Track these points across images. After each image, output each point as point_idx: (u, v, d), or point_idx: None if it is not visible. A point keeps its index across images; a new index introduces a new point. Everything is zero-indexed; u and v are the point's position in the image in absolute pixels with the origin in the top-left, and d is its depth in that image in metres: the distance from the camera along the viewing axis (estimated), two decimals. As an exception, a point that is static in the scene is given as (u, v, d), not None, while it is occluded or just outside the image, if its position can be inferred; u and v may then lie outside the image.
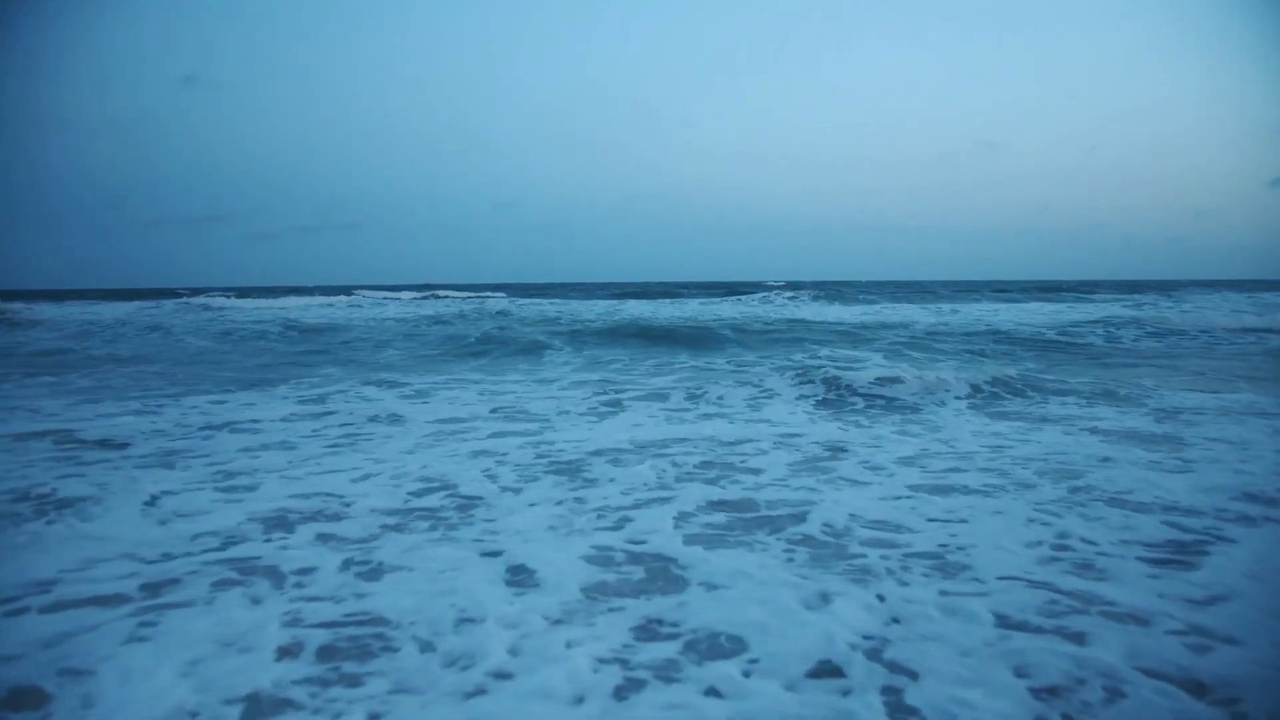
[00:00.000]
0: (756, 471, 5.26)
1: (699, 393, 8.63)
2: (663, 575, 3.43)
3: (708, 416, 7.44)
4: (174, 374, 11.13)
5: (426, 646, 2.77)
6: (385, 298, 33.56)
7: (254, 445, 6.09)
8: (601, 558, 3.65)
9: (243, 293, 38.73)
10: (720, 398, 8.33)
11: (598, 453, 5.80)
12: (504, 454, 5.77)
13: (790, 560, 3.58)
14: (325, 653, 2.72)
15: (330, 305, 28.73)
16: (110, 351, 14.50)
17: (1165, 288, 50.05)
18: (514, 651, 2.73)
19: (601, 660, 2.67)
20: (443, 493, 4.74)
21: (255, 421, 7.07)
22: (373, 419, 7.19)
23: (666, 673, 2.60)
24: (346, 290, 40.21)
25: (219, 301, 28.25)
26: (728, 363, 12.34)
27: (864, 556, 3.62)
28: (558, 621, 2.96)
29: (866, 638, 2.81)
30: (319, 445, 6.11)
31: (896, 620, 2.94)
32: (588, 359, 12.88)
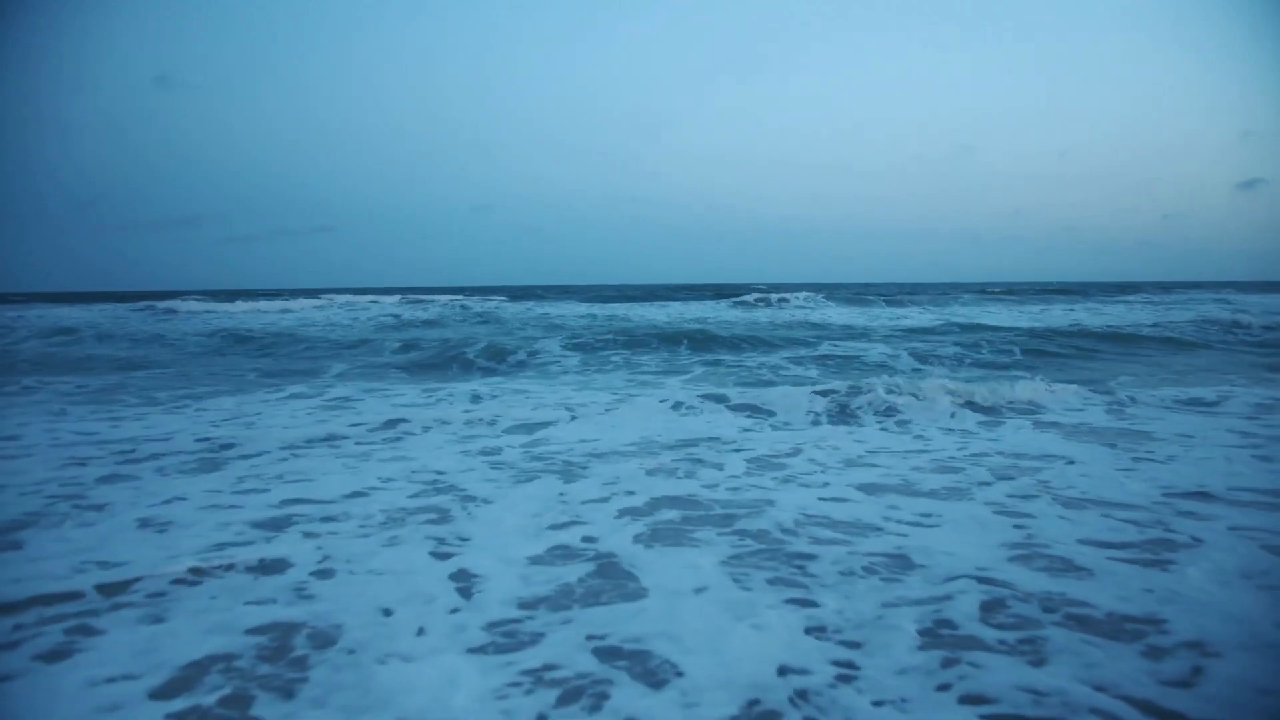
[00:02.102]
0: (737, 473, 5.15)
1: (704, 392, 8.46)
2: (615, 585, 3.23)
3: (713, 416, 7.34)
4: (192, 375, 11.08)
5: (339, 668, 2.55)
6: (371, 301, 33.03)
7: (297, 440, 6.13)
8: (558, 564, 3.48)
9: (229, 296, 38.14)
10: (725, 398, 8.14)
11: (598, 455, 5.72)
12: (501, 454, 5.74)
13: (744, 567, 3.38)
14: (231, 673, 2.50)
15: (315, 308, 28.35)
16: (111, 354, 14.12)
17: (1139, 289, 50.33)
18: (410, 685, 2.50)
19: (515, 685, 2.45)
20: (435, 494, 4.64)
21: (286, 425, 6.97)
22: (388, 421, 7.03)
23: (592, 695, 2.38)
24: (325, 293, 39.68)
25: (190, 305, 27.78)
26: (734, 361, 12.19)
27: (842, 566, 3.43)
28: (475, 650, 2.73)
29: (798, 671, 2.59)
30: (346, 446, 6.02)
31: (846, 642, 2.74)
32: (588, 360, 12.67)
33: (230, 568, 3.39)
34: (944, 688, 2.39)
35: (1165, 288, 52.65)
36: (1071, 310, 26.49)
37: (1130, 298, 37.32)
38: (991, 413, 7.36)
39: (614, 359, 12.76)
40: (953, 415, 7.21)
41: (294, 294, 39.81)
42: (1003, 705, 2.30)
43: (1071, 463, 5.34)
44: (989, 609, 2.95)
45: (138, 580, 3.24)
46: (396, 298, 35.24)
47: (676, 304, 32.47)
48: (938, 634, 2.75)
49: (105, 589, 3.15)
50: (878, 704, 2.32)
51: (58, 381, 10.02)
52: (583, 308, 28.99)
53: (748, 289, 46.14)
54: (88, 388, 9.51)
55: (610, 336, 15.33)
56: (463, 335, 16.49)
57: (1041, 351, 13.20)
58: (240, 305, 28.09)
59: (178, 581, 3.25)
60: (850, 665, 2.54)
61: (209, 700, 2.36)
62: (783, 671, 2.50)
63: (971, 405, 7.52)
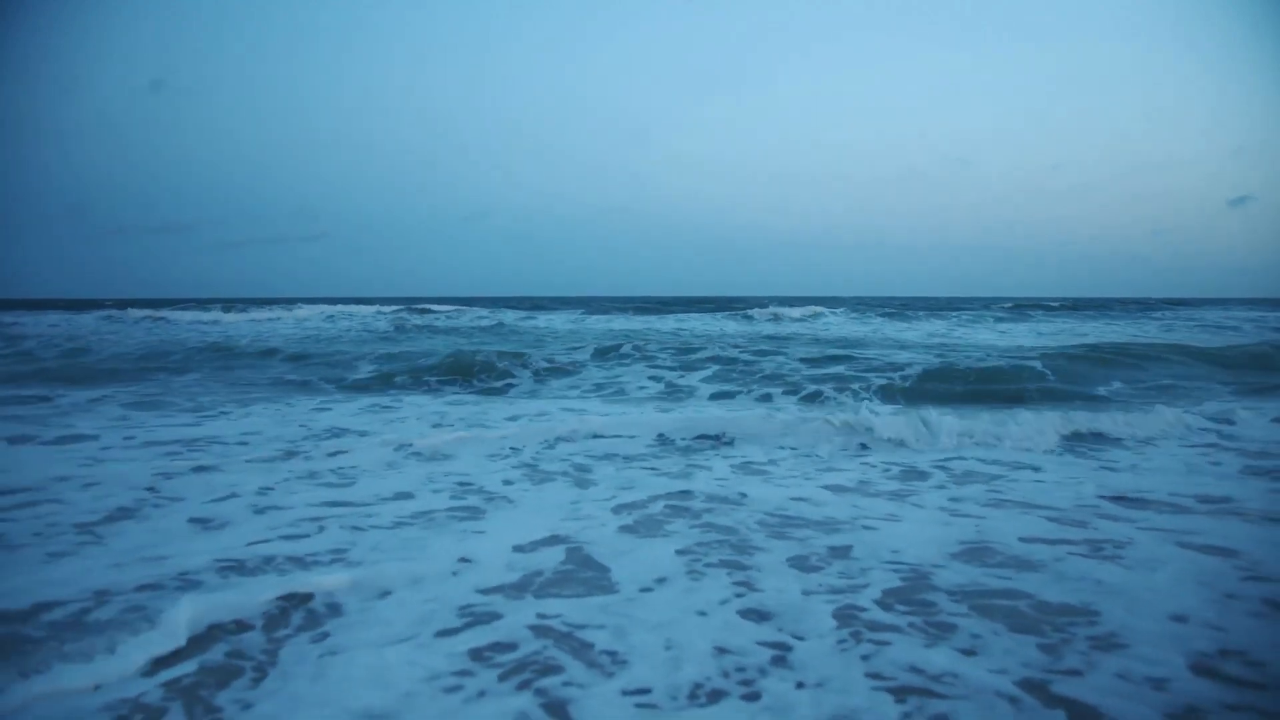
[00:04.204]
0: (726, 474, 5.50)
1: (719, 392, 8.56)
2: (592, 576, 3.50)
3: (725, 419, 7.55)
4: (236, 379, 11.41)
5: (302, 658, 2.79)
6: (378, 311, 32.85)
7: (339, 445, 6.41)
8: (548, 557, 3.77)
9: (226, 304, 38.36)
10: (739, 404, 8.28)
11: (611, 456, 6.16)
12: (522, 454, 6.21)
13: (698, 554, 3.62)
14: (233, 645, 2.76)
15: (317, 313, 28.53)
16: (129, 363, 14.04)
17: (1147, 304, 50.42)
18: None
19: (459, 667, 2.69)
20: (464, 494, 5.00)
21: (324, 431, 7.31)
22: (419, 425, 7.51)
23: (540, 674, 2.62)
24: (320, 302, 39.34)
25: (187, 314, 27.96)
26: (747, 365, 12.41)
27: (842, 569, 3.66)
28: (443, 633, 2.98)
29: (734, 653, 2.82)
30: (382, 451, 6.27)
31: (800, 637, 2.98)
32: (605, 367, 12.86)
33: (270, 560, 3.67)
34: (851, 666, 2.65)
35: (1155, 304, 52.45)
36: (1079, 328, 26.54)
37: (1139, 314, 37.07)
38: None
39: (631, 366, 12.92)
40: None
41: (289, 302, 39.97)
42: (903, 681, 2.55)
43: (1037, 470, 5.69)
44: (910, 597, 3.22)
45: (178, 569, 3.51)
46: (398, 306, 35.39)
47: (674, 316, 32.55)
48: (853, 619, 3.03)
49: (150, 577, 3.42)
50: (800, 685, 2.54)
51: (93, 389, 10.21)
52: (587, 318, 29.20)
53: (747, 302, 46.17)
54: (132, 394, 9.75)
55: (624, 345, 15.40)
56: (475, 344, 16.61)
57: (1062, 355, 13.23)
58: (240, 315, 28.24)
59: (220, 568, 3.54)
60: (782, 647, 2.79)
61: (191, 669, 2.63)
62: (720, 653, 2.75)
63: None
